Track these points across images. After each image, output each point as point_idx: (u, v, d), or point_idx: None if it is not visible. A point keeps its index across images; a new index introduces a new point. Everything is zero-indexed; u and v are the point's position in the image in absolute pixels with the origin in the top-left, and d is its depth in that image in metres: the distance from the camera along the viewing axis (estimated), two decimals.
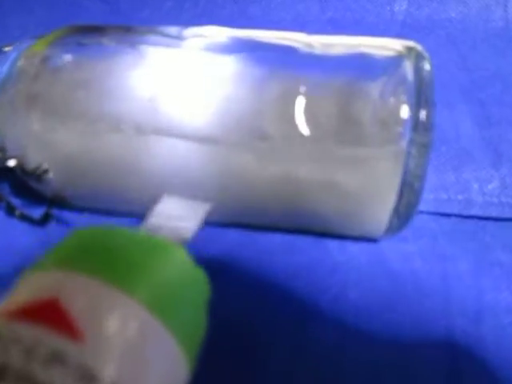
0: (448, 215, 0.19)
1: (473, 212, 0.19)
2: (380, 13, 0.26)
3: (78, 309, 0.10)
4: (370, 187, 0.15)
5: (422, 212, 0.18)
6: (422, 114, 0.14)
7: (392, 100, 0.14)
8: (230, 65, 0.16)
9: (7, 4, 0.28)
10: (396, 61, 0.15)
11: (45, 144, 0.16)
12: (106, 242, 0.12)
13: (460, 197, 0.20)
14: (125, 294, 0.10)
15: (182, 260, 0.12)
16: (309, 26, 0.27)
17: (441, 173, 0.20)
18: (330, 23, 0.26)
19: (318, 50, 0.16)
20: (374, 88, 0.14)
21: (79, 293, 0.10)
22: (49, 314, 0.10)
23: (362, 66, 0.15)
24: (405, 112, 0.14)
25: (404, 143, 0.14)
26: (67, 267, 0.11)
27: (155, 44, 0.17)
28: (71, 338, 0.09)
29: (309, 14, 0.27)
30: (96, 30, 0.18)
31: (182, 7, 0.28)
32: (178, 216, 0.15)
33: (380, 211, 0.15)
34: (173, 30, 0.17)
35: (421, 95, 0.14)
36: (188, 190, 0.16)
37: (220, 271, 0.17)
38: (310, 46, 0.16)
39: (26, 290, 0.11)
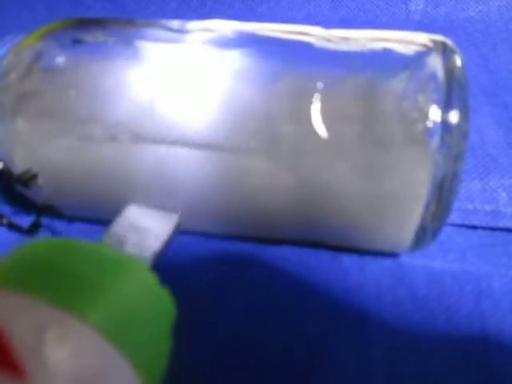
0: (475, 227, 0.17)
1: (501, 224, 0.18)
2: (395, 12, 0.25)
3: (20, 338, 0.08)
4: (395, 195, 0.13)
5: (446, 224, 0.17)
6: (453, 115, 0.13)
7: (419, 98, 0.13)
8: (236, 61, 0.15)
9: (7, 2, 0.27)
10: (423, 56, 0.13)
11: (33, 148, 0.15)
12: (55, 257, 0.10)
13: (487, 207, 0.18)
14: (76, 317, 0.09)
15: (144, 278, 0.11)
16: (320, 25, 0.26)
17: (465, 181, 0.18)
18: (342, 23, 0.25)
19: (334, 45, 0.14)
20: (399, 85, 0.13)
21: (22, 318, 0.09)
22: None
23: (384, 62, 0.14)
24: (434, 111, 0.12)
25: (432, 146, 0.12)
26: (7, 286, 0.09)
27: (155, 39, 0.15)
28: (11, 375, 0.08)
29: (320, 14, 0.25)
30: (93, 24, 0.16)
31: (188, 6, 0.27)
32: (143, 227, 0.14)
33: (405, 223, 0.13)
34: (175, 23, 0.16)
35: (452, 93, 0.13)
36: (189, 200, 0.14)
37: (223, 289, 0.15)
38: (326, 40, 0.14)
39: None
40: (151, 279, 0.11)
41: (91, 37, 0.16)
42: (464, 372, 0.13)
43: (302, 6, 0.26)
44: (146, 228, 0.14)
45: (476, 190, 0.18)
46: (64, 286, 0.09)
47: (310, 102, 0.13)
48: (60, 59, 0.15)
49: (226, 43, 0.15)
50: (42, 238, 0.11)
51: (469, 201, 0.18)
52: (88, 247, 0.11)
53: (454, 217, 0.17)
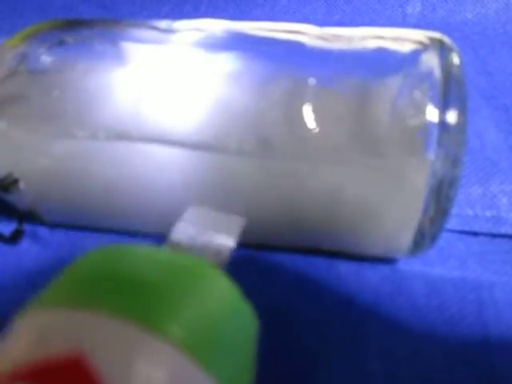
0: (475, 234, 0.17)
1: (503, 230, 0.17)
2: (391, 16, 0.25)
3: (105, 366, 0.07)
4: (392, 198, 0.12)
5: (445, 230, 0.16)
6: (451, 115, 0.12)
7: (415, 96, 0.12)
8: (227, 62, 0.14)
9: None
10: (419, 53, 0.13)
11: (15, 151, 0.14)
12: (127, 268, 0.09)
13: (488, 213, 0.17)
14: (162, 338, 0.08)
15: (229, 289, 0.10)
16: None
17: (465, 186, 0.18)
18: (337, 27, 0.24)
19: (328, 44, 0.14)
20: (395, 84, 0.12)
21: (104, 343, 0.08)
22: (68, 375, 0.07)
23: (379, 60, 0.13)
24: (430, 109, 0.12)
25: (430, 145, 0.12)
26: (82, 306, 0.08)
27: (143, 40, 0.15)
28: None
29: (315, 18, 0.25)
30: (79, 25, 0.16)
31: (181, 11, 0.26)
32: (211, 231, 0.12)
33: (403, 227, 0.13)
34: (163, 23, 0.15)
35: (449, 91, 0.12)
36: (179, 202, 0.14)
37: None
38: (319, 38, 0.14)
39: (30, 340, 0.08)
40: (233, 289, 0.10)
41: (77, 38, 0.16)
42: (467, 383, 0.13)
43: (298, 10, 0.25)
44: (213, 232, 0.12)
45: (476, 195, 0.18)
46: (143, 301, 0.08)
47: (303, 103, 0.12)
48: (45, 61, 0.15)
49: (215, 43, 0.15)
50: (106, 246, 0.10)
51: (469, 206, 0.18)
52: (161, 255, 0.10)
53: (453, 223, 0.17)
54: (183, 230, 0.12)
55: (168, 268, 0.09)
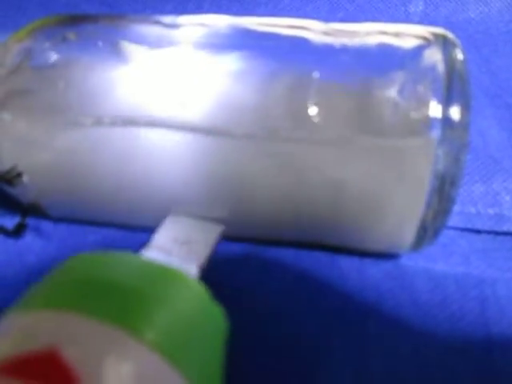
0: (478, 231, 0.17)
1: (505, 228, 0.17)
2: (394, 14, 0.25)
3: (79, 362, 0.08)
4: (395, 187, 0.12)
5: (448, 228, 0.16)
6: (454, 109, 0.12)
7: (418, 90, 0.12)
8: (231, 58, 0.14)
9: (0, 5, 0.27)
10: (422, 49, 0.13)
11: (19, 144, 0.14)
12: (105, 273, 0.10)
13: (490, 211, 0.17)
14: (134, 337, 0.08)
15: (198, 293, 0.10)
16: None
17: (468, 184, 0.18)
18: None
19: (332, 39, 0.14)
20: (398, 78, 0.12)
21: (79, 340, 0.08)
22: (43, 369, 0.08)
23: (383, 55, 0.13)
24: (434, 103, 0.12)
25: (433, 138, 0.12)
26: (60, 307, 0.09)
27: (147, 35, 0.15)
28: None
29: (318, 16, 0.25)
30: (83, 20, 0.16)
31: (184, 9, 0.26)
32: (188, 239, 0.13)
33: (406, 220, 0.13)
34: (167, 18, 0.15)
35: (452, 87, 0.12)
36: (182, 190, 0.14)
37: (218, 291, 0.15)
38: (323, 34, 0.14)
39: (13, 337, 0.09)
40: (205, 293, 0.10)
41: (82, 33, 0.16)
42: (468, 381, 0.13)
43: (301, 8, 0.25)
44: (191, 239, 0.13)
45: (479, 193, 0.18)
46: (118, 303, 0.09)
47: (307, 97, 0.12)
48: (49, 56, 0.15)
49: (220, 38, 0.15)
50: (87, 253, 0.10)
51: (471, 204, 0.18)
52: (137, 261, 0.10)
53: (456, 220, 0.17)
54: (162, 238, 0.13)
55: (142, 274, 0.10)
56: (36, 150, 0.14)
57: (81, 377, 0.08)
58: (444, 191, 0.12)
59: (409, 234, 0.13)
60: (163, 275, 0.10)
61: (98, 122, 0.13)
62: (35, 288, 0.10)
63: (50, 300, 0.09)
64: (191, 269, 0.12)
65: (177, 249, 0.13)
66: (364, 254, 0.15)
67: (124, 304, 0.09)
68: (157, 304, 0.09)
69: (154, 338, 0.09)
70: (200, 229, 0.13)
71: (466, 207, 0.17)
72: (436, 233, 0.13)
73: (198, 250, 0.13)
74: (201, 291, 0.10)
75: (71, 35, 0.16)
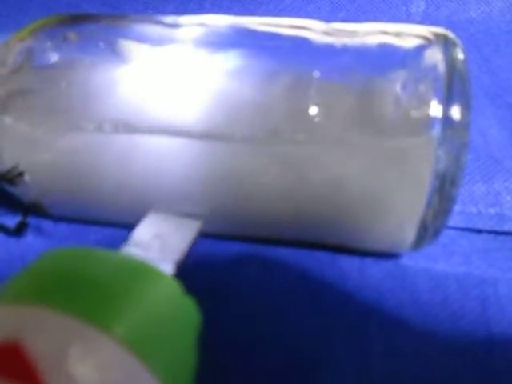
0: (479, 231, 0.17)
1: (506, 228, 0.17)
2: (395, 14, 0.25)
3: (42, 354, 0.08)
4: (396, 185, 0.13)
5: (448, 227, 0.16)
6: (455, 108, 0.12)
7: (419, 90, 0.12)
8: (231, 58, 0.14)
9: (2, 6, 0.27)
10: (423, 48, 0.13)
11: (21, 144, 0.14)
12: (74, 267, 0.10)
13: (491, 211, 0.17)
14: (100, 330, 0.08)
15: (170, 287, 0.10)
16: None
17: (468, 184, 0.18)
18: None
19: (332, 39, 0.14)
20: (399, 78, 0.12)
21: (43, 333, 0.08)
22: (5, 361, 0.08)
23: (384, 55, 0.13)
24: (434, 102, 0.12)
25: (434, 137, 0.12)
26: (28, 300, 0.09)
27: (148, 35, 0.15)
28: None
29: (319, 16, 0.25)
30: (84, 20, 0.16)
31: (186, 9, 0.26)
32: (165, 235, 0.13)
33: (406, 218, 0.13)
34: (168, 18, 0.16)
35: (453, 86, 0.12)
36: (183, 192, 0.14)
37: (219, 290, 0.15)
38: (324, 33, 0.14)
39: None
40: (176, 288, 0.10)
41: (83, 33, 0.16)
42: (469, 380, 0.13)
43: (302, 9, 0.25)
44: (168, 235, 0.13)
45: (480, 192, 0.18)
46: (86, 297, 0.09)
47: (308, 96, 0.13)
48: (51, 56, 0.15)
49: (220, 38, 0.15)
50: (59, 248, 0.10)
51: (472, 204, 0.18)
52: (109, 256, 0.10)
53: (457, 220, 0.17)
54: (141, 234, 0.13)
55: (114, 269, 0.10)
56: (37, 151, 0.14)
57: (44, 369, 0.08)
58: (445, 191, 0.12)
59: (409, 234, 0.13)
60: (135, 270, 0.10)
61: (100, 127, 0.13)
62: (6, 282, 0.10)
63: (17, 293, 0.09)
64: (167, 264, 0.12)
65: (154, 245, 0.13)
66: (365, 253, 0.15)
67: (92, 298, 0.09)
68: (126, 298, 0.09)
69: (121, 332, 0.09)
70: (177, 225, 0.14)
71: (467, 207, 0.17)
72: (437, 232, 0.13)
73: (174, 245, 0.13)
74: (173, 286, 0.10)
75: (72, 35, 0.16)
